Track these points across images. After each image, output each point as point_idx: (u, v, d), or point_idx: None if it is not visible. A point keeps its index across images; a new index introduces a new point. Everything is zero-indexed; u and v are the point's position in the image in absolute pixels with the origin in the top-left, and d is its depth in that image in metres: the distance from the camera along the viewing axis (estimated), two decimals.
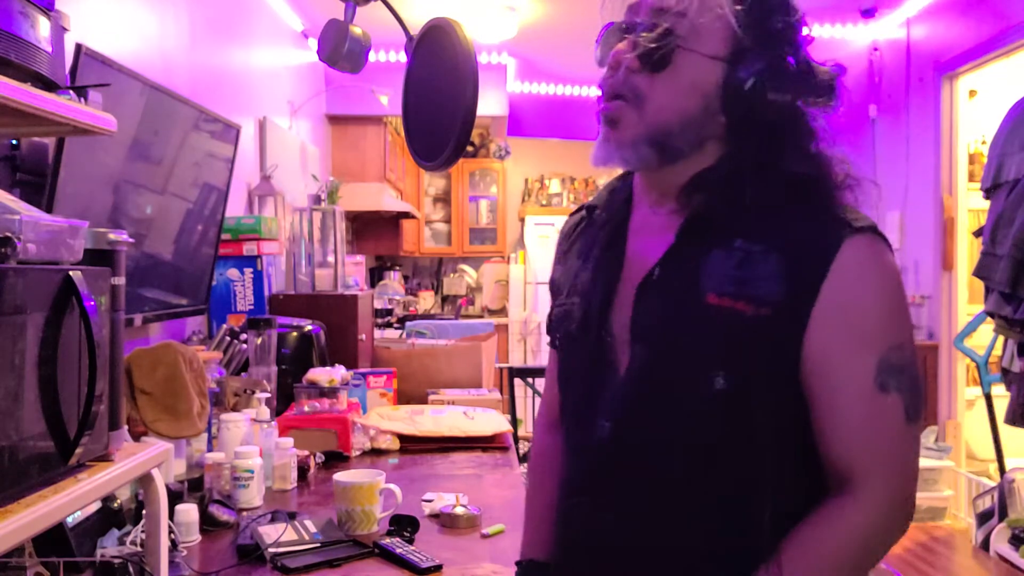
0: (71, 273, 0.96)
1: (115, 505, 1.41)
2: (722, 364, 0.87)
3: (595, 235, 1.05)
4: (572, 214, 1.16)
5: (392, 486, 1.62)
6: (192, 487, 1.75)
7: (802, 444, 0.90)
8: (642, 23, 0.91)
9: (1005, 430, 3.30)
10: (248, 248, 2.73)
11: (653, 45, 0.90)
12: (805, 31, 0.93)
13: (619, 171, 1.08)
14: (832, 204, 0.90)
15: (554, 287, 1.11)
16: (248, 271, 2.74)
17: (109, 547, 1.33)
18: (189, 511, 1.53)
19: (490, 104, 4.99)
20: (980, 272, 3.02)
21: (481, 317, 6.41)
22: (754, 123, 0.90)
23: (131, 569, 1.24)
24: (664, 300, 0.92)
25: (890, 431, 0.87)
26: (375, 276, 6.11)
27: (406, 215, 5.36)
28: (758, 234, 0.89)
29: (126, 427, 1.23)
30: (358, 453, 2.23)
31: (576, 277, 1.05)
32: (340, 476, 1.62)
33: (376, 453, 2.25)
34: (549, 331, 1.10)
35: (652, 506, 0.92)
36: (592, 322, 0.99)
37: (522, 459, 3.00)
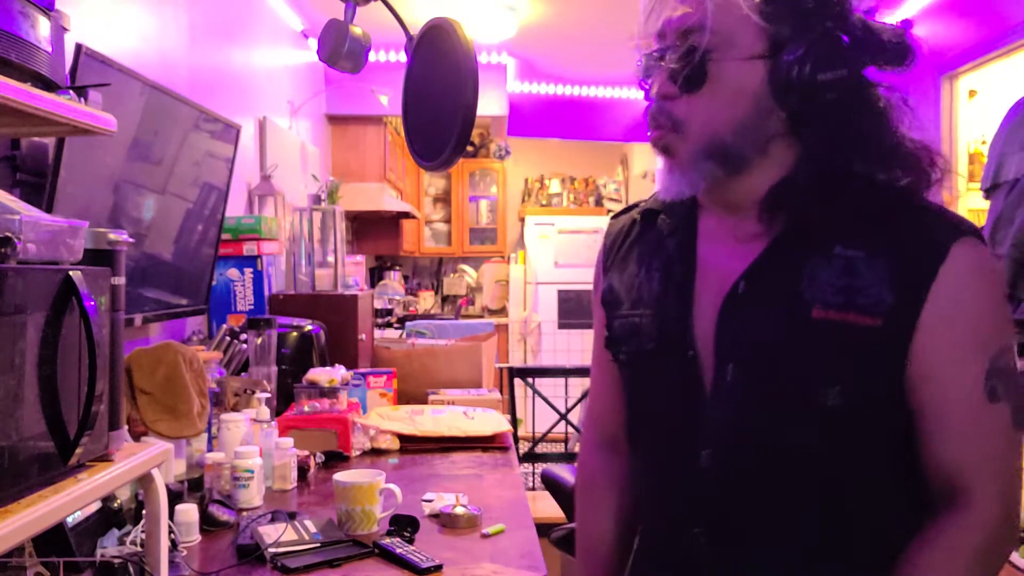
0: (71, 273, 0.96)
1: (115, 505, 1.41)
2: (833, 379, 0.84)
3: (659, 242, 1.00)
4: (615, 216, 1.11)
5: (392, 486, 1.62)
6: (192, 487, 1.75)
7: (908, 462, 0.87)
8: (669, 47, 0.89)
9: None
10: (248, 248, 2.73)
11: (680, 66, 0.87)
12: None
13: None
14: (924, 203, 0.87)
15: (612, 296, 1.04)
16: (248, 271, 2.74)
17: (109, 547, 1.33)
18: (189, 511, 1.53)
19: (490, 104, 4.99)
20: None
21: (481, 317, 6.41)
22: (817, 111, 0.87)
23: (131, 569, 1.24)
24: (757, 316, 0.88)
25: (1000, 440, 0.84)
26: (375, 276, 6.11)
27: (406, 215, 5.36)
28: (855, 240, 0.85)
29: (126, 427, 1.23)
30: (358, 453, 2.23)
31: (640, 288, 1.00)
32: (340, 476, 1.62)
33: (376, 453, 2.25)
34: (611, 346, 1.05)
35: (763, 532, 0.89)
36: (671, 338, 0.94)
37: (522, 459, 3.00)
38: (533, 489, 3.35)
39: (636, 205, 1.09)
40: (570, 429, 3.25)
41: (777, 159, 0.90)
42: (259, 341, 2.28)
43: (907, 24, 0.89)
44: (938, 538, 0.84)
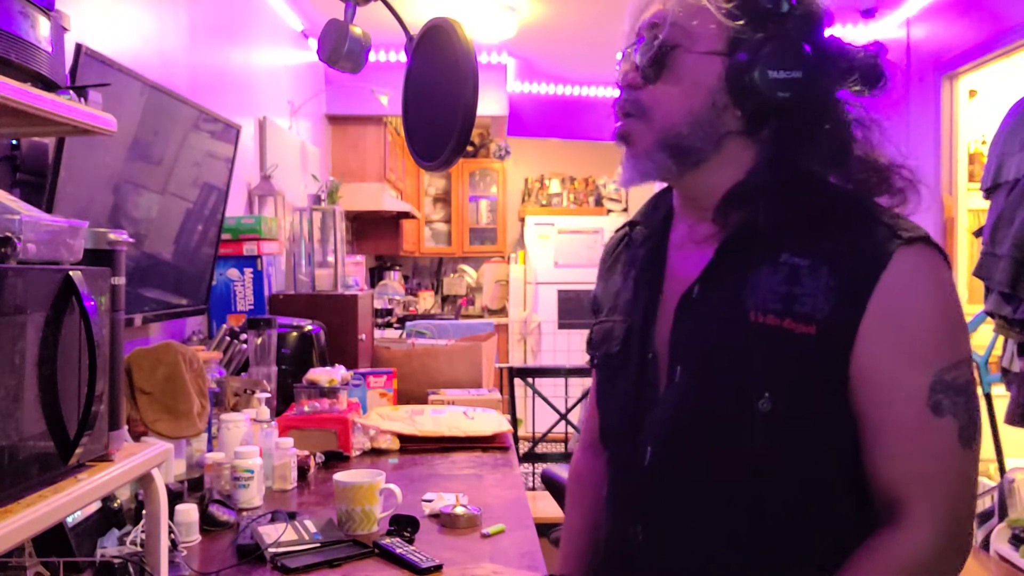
0: (71, 273, 0.96)
1: (115, 505, 1.41)
2: (767, 385, 0.84)
3: (635, 252, 1.03)
4: (617, 230, 1.15)
5: (392, 486, 1.62)
6: (192, 487, 1.75)
7: (852, 467, 0.85)
8: (636, 41, 0.93)
9: (1005, 430, 3.30)
10: (248, 248, 2.73)
11: (644, 56, 0.91)
12: (813, 12, 0.90)
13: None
14: (877, 210, 0.86)
15: (595, 304, 1.10)
16: (248, 271, 2.74)
17: (109, 547, 1.33)
18: (189, 511, 1.53)
19: (490, 104, 4.99)
20: (980, 272, 3.02)
21: (481, 317, 6.41)
22: (771, 110, 0.88)
23: (131, 569, 1.24)
24: (704, 319, 0.89)
25: (942, 455, 0.81)
26: (375, 276, 6.11)
27: (406, 215, 5.36)
28: (801, 247, 0.85)
29: (126, 427, 1.23)
30: (358, 453, 2.23)
31: (617, 295, 1.03)
32: (340, 476, 1.62)
33: (376, 453, 2.25)
34: (589, 350, 1.09)
35: (697, 531, 0.90)
36: (633, 341, 0.97)
37: (522, 459, 3.00)
38: (533, 489, 3.35)
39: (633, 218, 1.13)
40: (570, 429, 3.25)
41: (735, 159, 0.91)
42: (259, 341, 2.29)
43: (880, 48, 0.89)
44: (872, 554, 0.83)
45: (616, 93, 0.99)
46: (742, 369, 0.85)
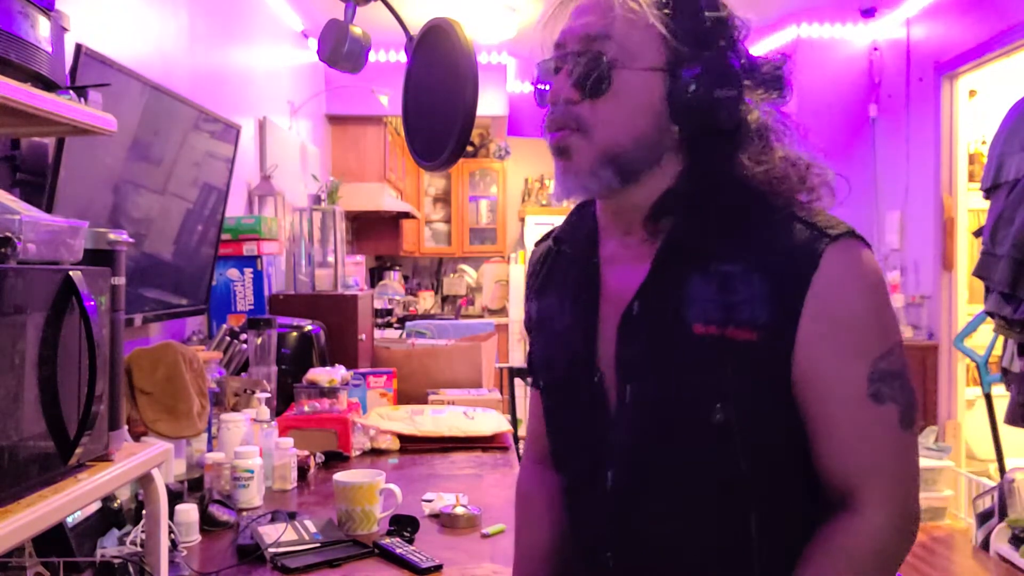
0: (71, 273, 0.96)
1: (115, 505, 1.41)
2: (718, 395, 0.84)
3: (566, 271, 1.01)
4: (538, 243, 1.13)
5: (392, 486, 1.62)
6: (192, 487, 1.75)
7: (804, 465, 0.87)
8: (571, 53, 0.90)
9: (1005, 430, 3.30)
10: (248, 248, 2.73)
11: (585, 71, 0.88)
12: (735, 25, 0.90)
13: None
14: (799, 211, 0.87)
15: (530, 324, 1.08)
16: (248, 271, 2.74)
17: (109, 547, 1.33)
18: (189, 511, 1.53)
19: (490, 104, 4.99)
20: (980, 272, 3.02)
21: (481, 317, 6.41)
22: (708, 129, 0.88)
23: (131, 569, 1.24)
24: (648, 334, 0.89)
25: (887, 441, 0.84)
26: (375, 276, 6.11)
27: (406, 215, 5.36)
28: (733, 253, 0.85)
29: (126, 427, 1.23)
30: (358, 453, 2.23)
31: (553, 317, 1.01)
32: (340, 476, 1.62)
33: (376, 453, 2.25)
34: (529, 375, 1.08)
35: (667, 550, 0.90)
36: (577, 364, 0.95)
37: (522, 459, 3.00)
38: None
39: (557, 228, 1.10)
40: None
41: (666, 173, 0.91)
42: (259, 341, 2.29)
43: (784, 58, 0.91)
44: (827, 542, 0.84)
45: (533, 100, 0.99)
46: (691, 382, 0.86)
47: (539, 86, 0.96)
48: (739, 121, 0.89)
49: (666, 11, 0.87)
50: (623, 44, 0.88)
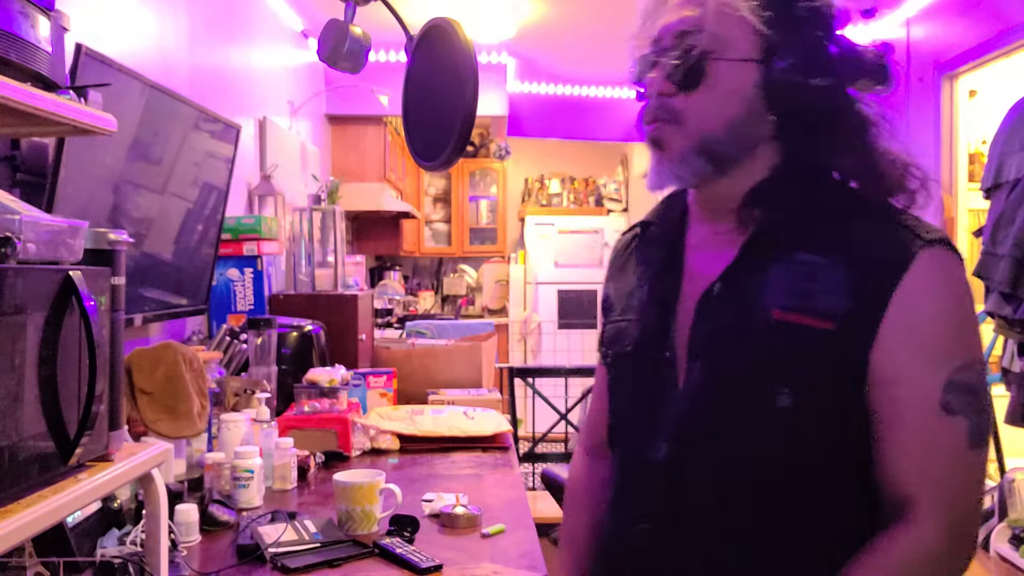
0: (71, 273, 0.96)
1: (115, 505, 1.41)
2: (786, 380, 0.85)
3: (649, 251, 1.03)
4: (625, 232, 1.14)
5: (392, 486, 1.62)
6: (192, 487, 1.75)
7: (863, 465, 0.87)
8: (666, 48, 0.91)
9: (1005, 430, 3.30)
10: (248, 248, 2.73)
11: (678, 65, 0.90)
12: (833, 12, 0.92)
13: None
14: (894, 211, 0.88)
15: (606, 304, 1.09)
16: (248, 271, 2.74)
17: (109, 547, 1.33)
18: (189, 511, 1.53)
19: (490, 104, 4.99)
20: (980, 272, 3.02)
21: (481, 317, 6.41)
22: (803, 117, 0.89)
23: (131, 569, 1.24)
24: (725, 315, 0.90)
25: (950, 456, 0.82)
26: (375, 276, 6.11)
27: (406, 215, 5.36)
28: (822, 246, 0.86)
29: (126, 427, 1.23)
30: (358, 453, 2.23)
31: (631, 295, 1.03)
32: (340, 476, 1.62)
33: (376, 453, 2.25)
34: (600, 348, 1.08)
35: (710, 529, 0.90)
36: (649, 340, 0.96)
37: (522, 459, 3.00)
38: (533, 489, 3.35)
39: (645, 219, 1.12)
40: (570, 429, 3.25)
41: (761, 163, 0.92)
42: (259, 341, 2.29)
43: (888, 48, 0.91)
44: (880, 551, 0.84)
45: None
46: (761, 365, 0.87)
47: (638, 82, 0.97)
48: (836, 111, 0.89)
49: (757, 2, 0.88)
50: (716, 35, 0.89)
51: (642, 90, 0.96)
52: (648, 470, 0.94)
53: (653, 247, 1.03)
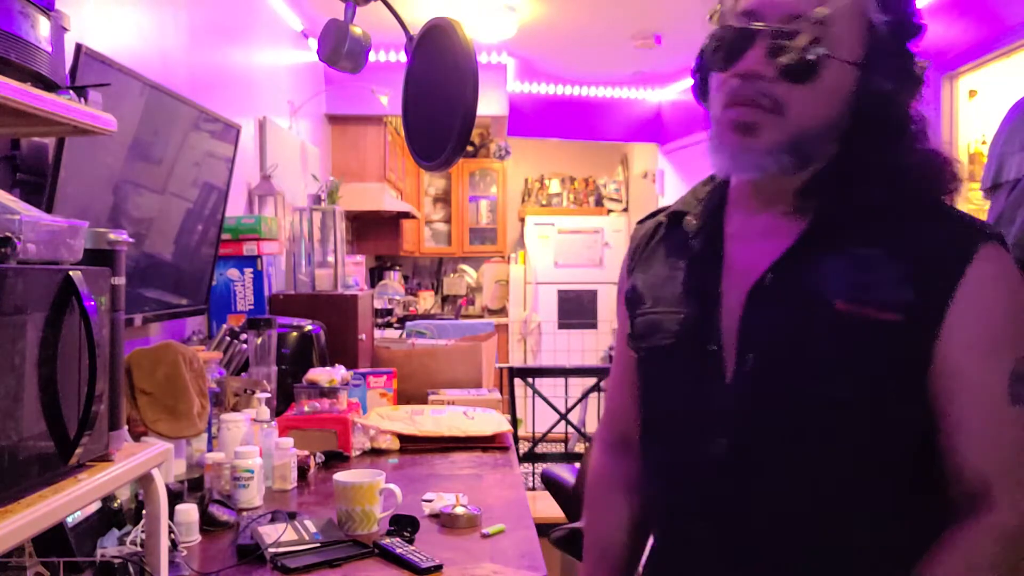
0: (71, 273, 0.96)
1: (115, 505, 1.41)
2: (851, 371, 0.85)
3: (685, 242, 1.00)
4: (642, 221, 1.12)
5: (392, 486, 1.62)
6: (192, 487, 1.75)
7: (924, 456, 0.87)
8: (775, 30, 0.87)
9: None
10: (248, 248, 2.73)
11: (798, 56, 0.86)
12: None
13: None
14: (946, 207, 0.90)
15: (634, 296, 1.05)
16: (248, 271, 2.74)
17: (109, 547, 1.33)
18: (189, 511, 1.53)
19: (490, 104, 4.99)
20: None
21: (481, 317, 6.41)
22: (879, 120, 0.89)
23: (131, 569, 1.24)
24: (781, 307, 0.89)
25: (1022, 445, 0.83)
26: (375, 276, 6.11)
27: (406, 215, 5.36)
28: (881, 238, 0.87)
29: (126, 427, 1.23)
30: (358, 453, 2.23)
31: (663, 286, 1.01)
32: (340, 476, 1.62)
33: (376, 453, 2.25)
34: (633, 342, 1.05)
35: (774, 524, 0.89)
36: (692, 332, 0.95)
37: (522, 459, 3.00)
38: (533, 489, 3.35)
39: (663, 210, 1.11)
40: (570, 429, 3.25)
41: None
42: (259, 341, 2.29)
43: (924, 56, 0.93)
44: (957, 543, 0.84)
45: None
46: (826, 357, 0.86)
47: (715, 52, 0.92)
48: (905, 115, 0.91)
49: (879, 7, 0.88)
50: (833, 30, 0.87)
51: (717, 62, 0.91)
52: (706, 467, 0.92)
53: (689, 237, 1.00)
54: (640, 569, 1.11)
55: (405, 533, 1.55)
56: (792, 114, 0.88)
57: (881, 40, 0.88)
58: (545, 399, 3.21)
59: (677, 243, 1.02)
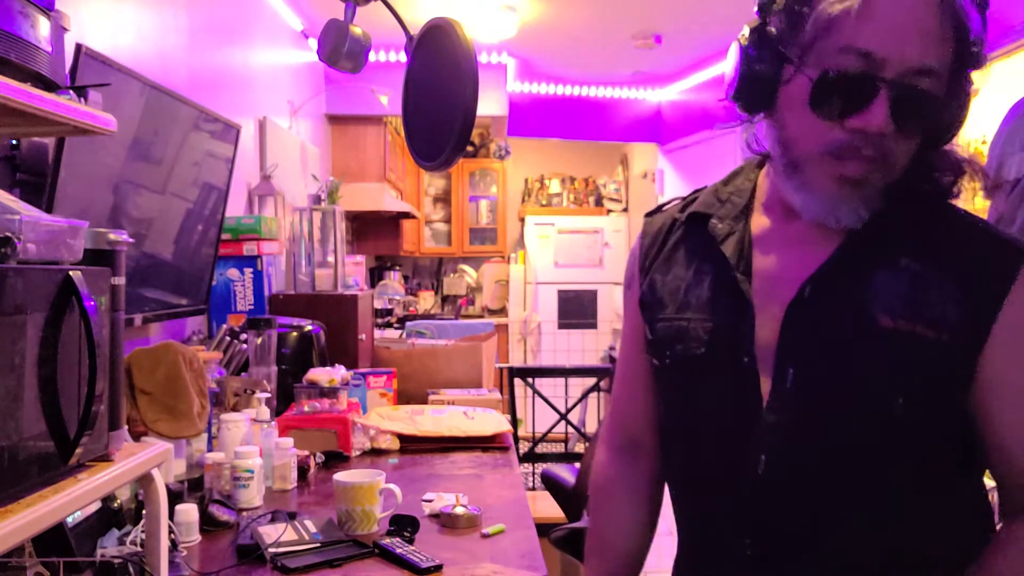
0: (71, 273, 0.96)
1: (115, 505, 1.41)
2: (898, 389, 0.84)
3: (710, 245, 0.97)
4: (651, 214, 1.09)
5: (392, 486, 1.62)
6: (192, 487, 1.75)
7: (967, 468, 0.88)
8: (897, 83, 0.82)
9: None
10: (248, 248, 2.73)
11: (914, 110, 0.83)
12: None
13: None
14: (986, 223, 0.90)
15: (654, 298, 1.01)
16: (248, 271, 2.74)
17: (109, 547, 1.33)
18: (189, 511, 1.53)
19: (490, 104, 4.99)
20: None
21: (481, 317, 6.42)
22: (939, 142, 0.89)
23: (131, 569, 1.24)
24: (823, 321, 0.87)
25: None
26: (375, 276, 6.11)
27: (406, 215, 5.36)
28: (923, 252, 0.86)
29: (126, 427, 1.23)
30: (358, 453, 2.23)
31: (687, 292, 0.97)
32: (340, 476, 1.62)
33: (376, 453, 2.25)
34: (655, 349, 1.01)
35: (813, 539, 0.88)
36: (725, 343, 0.92)
37: (522, 459, 3.01)
38: (533, 489, 3.35)
39: (669, 204, 1.08)
40: (570, 429, 3.25)
41: None
42: (259, 341, 2.29)
43: None
44: (1008, 546, 0.85)
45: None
46: (871, 373, 0.85)
47: (825, 97, 0.85)
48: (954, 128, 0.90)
49: (963, 26, 0.84)
50: (943, 76, 0.84)
51: (827, 107, 0.85)
52: (748, 484, 0.90)
53: (712, 241, 0.97)
54: None
55: (405, 533, 1.55)
56: (897, 163, 0.87)
57: (961, 67, 0.86)
58: (545, 399, 3.21)
59: (701, 245, 0.99)
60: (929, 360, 0.84)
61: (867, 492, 0.87)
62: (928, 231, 0.88)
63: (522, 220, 6.63)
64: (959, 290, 0.84)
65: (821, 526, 0.88)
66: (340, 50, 1.74)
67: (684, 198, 1.07)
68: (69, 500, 0.93)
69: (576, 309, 6.23)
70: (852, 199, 0.86)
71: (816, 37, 0.85)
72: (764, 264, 0.93)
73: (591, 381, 3.29)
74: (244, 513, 1.70)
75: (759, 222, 0.96)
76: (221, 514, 1.62)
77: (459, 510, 1.64)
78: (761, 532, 0.90)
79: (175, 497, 1.57)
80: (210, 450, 1.88)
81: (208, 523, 1.59)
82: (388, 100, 4.00)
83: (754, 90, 0.91)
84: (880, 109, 0.82)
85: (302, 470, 1.98)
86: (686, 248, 1.01)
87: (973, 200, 4.07)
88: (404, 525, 1.58)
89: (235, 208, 2.94)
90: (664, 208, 1.08)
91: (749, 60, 0.90)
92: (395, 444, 2.28)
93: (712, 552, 0.96)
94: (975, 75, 0.91)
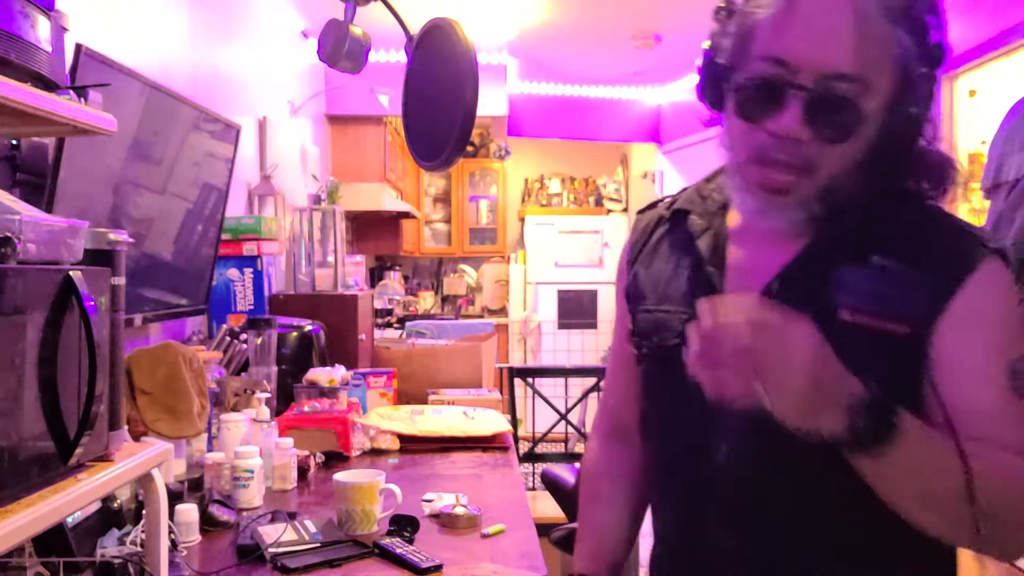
0: (71, 273, 0.96)
1: (115, 505, 1.41)
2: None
3: (689, 241, 1.00)
4: (642, 211, 1.12)
5: (392, 486, 1.62)
6: (192, 487, 1.75)
7: None
8: (809, 89, 0.83)
9: None
10: (248, 248, 2.73)
11: (830, 117, 0.84)
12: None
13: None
14: (951, 217, 0.90)
15: (635, 290, 1.06)
16: (248, 271, 2.74)
17: (109, 547, 1.33)
18: (189, 511, 1.53)
19: (490, 104, 4.99)
20: None
21: (481, 317, 6.42)
22: (898, 143, 0.89)
23: (131, 569, 1.24)
24: None
25: (1011, 420, 0.83)
26: (375, 276, 6.11)
27: (406, 215, 5.36)
28: (888, 248, 0.87)
29: (126, 427, 1.23)
30: (358, 453, 2.23)
31: (667, 284, 1.01)
32: (340, 476, 1.62)
33: (376, 453, 2.25)
34: (636, 339, 1.05)
35: (782, 529, 0.90)
36: None
37: (522, 459, 3.00)
38: (533, 489, 3.35)
39: (661, 201, 1.11)
40: (570, 429, 3.25)
41: None
42: (259, 341, 2.29)
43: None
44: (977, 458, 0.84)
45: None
46: None
47: (742, 101, 0.88)
48: (921, 128, 0.90)
49: (906, 31, 0.85)
50: (867, 81, 0.84)
51: (744, 112, 0.88)
52: (710, 474, 0.93)
53: (691, 236, 1.00)
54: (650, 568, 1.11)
55: (405, 533, 1.55)
56: (823, 172, 0.87)
57: (909, 71, 0.86)
58: (545, 399, 3.21)
59: (681, 241, 1.02)
60: (890, 354, 0.85)
61: (829, 483, 0.87)
62: (900, 228, 0.89)
63: (522, 220, 6.63)
64: (923, 285, 0.85)
65: (784, 514, 0.90)
66: (340, 50, 1.74)
67: (674, 195, 1.10)
68: (69, 500, 0.93)
69: (576, 309, 6.23)
70: (779, 205, 0.89)
71: (742, 44, 0.88)
72: (737, 259, 0.96)
73: (591, 381, 3.29)
74: (244, 513, 1.70)
75: (736, 218, 0.99)
76: (221, 514, 1.62)
77: (459, 510, 1.64)
78: (735, 519, 0.92)
79: (175, 497, 1.56)
80: (210, 450, 1.88)
81: (208, 523, 1.59)
82: (388, 100, 4.00)
83: (710, 94, 0.96)
84: (792, 113, 0.84)
85: (302, 470, 1.98)
86: (669, 243, 1.05)
87: (973, 200, 4.07)
88: (404, 525, 1.58)
89: (235, 208, 2.94)
90: (655, 205, 1.11)
91: (706, 64, 0.95)
92: (395, 444, 2.28)
93: (692, 539, 0.99)
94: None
